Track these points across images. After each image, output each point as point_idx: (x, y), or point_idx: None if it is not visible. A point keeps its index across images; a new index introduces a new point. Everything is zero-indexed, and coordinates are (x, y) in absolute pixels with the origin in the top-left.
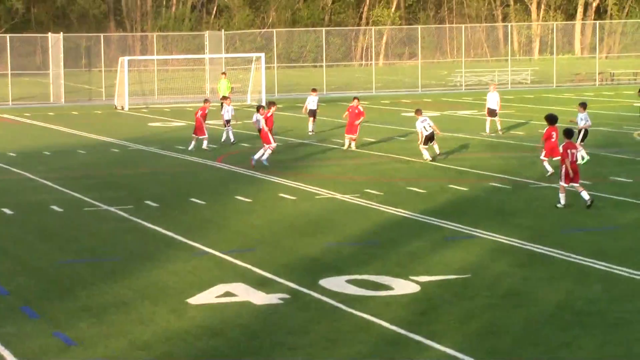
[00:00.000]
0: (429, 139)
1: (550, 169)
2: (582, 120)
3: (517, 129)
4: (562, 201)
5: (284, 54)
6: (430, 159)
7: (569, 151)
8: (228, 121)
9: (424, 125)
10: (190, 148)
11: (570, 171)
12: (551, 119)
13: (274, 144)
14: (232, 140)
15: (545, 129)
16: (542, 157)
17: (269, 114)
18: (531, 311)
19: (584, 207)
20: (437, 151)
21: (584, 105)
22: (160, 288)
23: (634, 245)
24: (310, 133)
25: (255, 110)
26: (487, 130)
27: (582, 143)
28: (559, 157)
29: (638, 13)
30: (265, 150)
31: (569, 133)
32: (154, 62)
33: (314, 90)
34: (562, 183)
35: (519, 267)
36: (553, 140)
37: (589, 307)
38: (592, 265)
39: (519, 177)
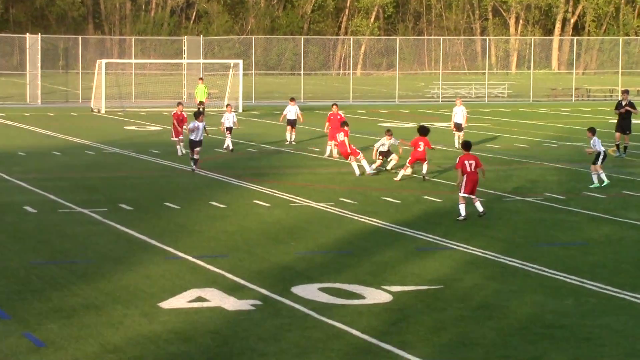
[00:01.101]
0: (385, 154)
1: (400, 177)
2: (594, 144)
3: (493, 142)
4: (463, 213)
5: (262, 61)
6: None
7: (466, 162)
8: (229, 129)
9: (386, 143)
10: (181, 154)
11: (464, 184)
12: (421, 130)
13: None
14: (230, 147)
15: (414, 138)
16: (407, 163)
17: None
18: (502, 324)
19: (477, 217)
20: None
21: (592, 131)
22: (132, 291)
23: (605, 260)
24: (288, 142)
25: (194, 116)
26: (457, 144)
27: (601, 165)
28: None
29: (615, 30)
30: (363, 163)
31: (466, 145)
32: (132, 66)
33: (292, 99)
34: (461, 194)
35: (491, 279)
36: (420, 150)
37: (560, 320)
38: (563, 279)
39: (493, 189)
